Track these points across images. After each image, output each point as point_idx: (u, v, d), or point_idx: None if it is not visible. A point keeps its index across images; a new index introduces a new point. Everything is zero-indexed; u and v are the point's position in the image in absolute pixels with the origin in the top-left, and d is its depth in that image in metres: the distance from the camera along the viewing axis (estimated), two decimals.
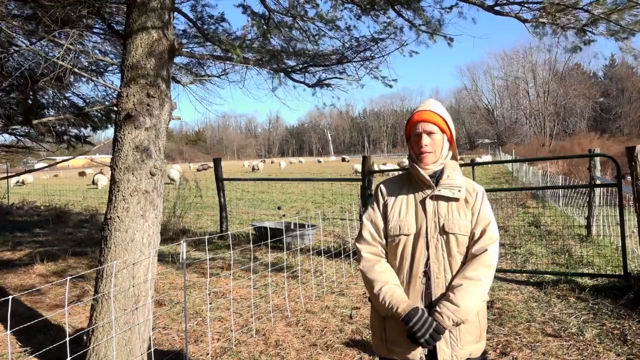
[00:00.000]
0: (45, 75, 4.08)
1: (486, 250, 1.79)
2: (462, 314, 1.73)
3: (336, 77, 5.46)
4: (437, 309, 1.75)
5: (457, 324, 1.76)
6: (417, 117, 1.87)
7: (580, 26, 3.89)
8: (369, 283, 1.87)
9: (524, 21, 4.16)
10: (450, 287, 1.78)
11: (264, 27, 4.80)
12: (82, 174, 43.75)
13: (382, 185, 1.98)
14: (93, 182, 27.40)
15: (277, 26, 4.83)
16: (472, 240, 1.82)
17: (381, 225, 1.91)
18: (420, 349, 1.78)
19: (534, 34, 4.16)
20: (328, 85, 5.43)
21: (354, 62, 5.32)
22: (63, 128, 6.36)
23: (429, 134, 1.85)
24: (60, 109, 6.23)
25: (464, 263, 1.82)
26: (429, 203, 1.84)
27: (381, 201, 1.93)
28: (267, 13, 4.95)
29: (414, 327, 1.72)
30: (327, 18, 4.87)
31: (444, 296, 1.78)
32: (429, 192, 1.85)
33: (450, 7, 4.47)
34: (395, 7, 4.40)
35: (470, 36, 4.77)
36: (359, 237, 1.95)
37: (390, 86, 5.50)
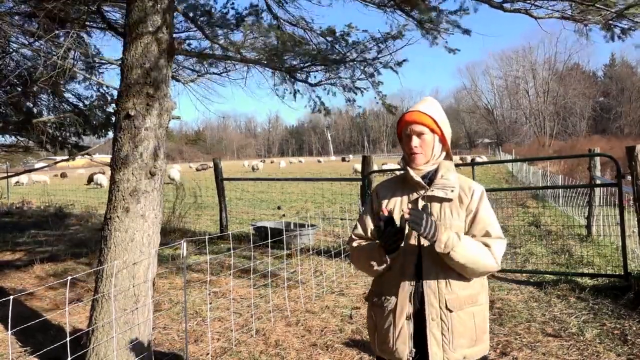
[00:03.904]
0: (44, 75, 4.07)
1: (490, 246, 1.75)
2: (456, 244, 1.66)
3: (338, 77, 5.44)
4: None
5: (446, 250, 1.67)
6: (406, 117, 1.87)
7: (605, 21, 3.86)
8: (353, 251, 1.94)
9: (536, 18, 4.14)
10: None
11: (267, 28, 4.79)
12: (63, 175, 41.45)
13: (377, 188, 2.02)
14: (89, 180, 27.30)
15: (278, 26, 4.82)
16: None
17: (370, 226, 1.93)
18: (407, 351, 1.76)
19: (577, 33, 4.15)
20: (331, 85, 5.41)
21: (357, 61, 5.29)
22: (63, 133, 6.32)
23: (419, 134, 1.84)
24: (59, 110, 6.21)
25: None
26: (421, 204, 1.83)
27: (375, 203, 1.95)
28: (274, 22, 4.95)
29: (413, 212, 1.64)
30: (337, 35, 4.87)
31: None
32: (422, 192, 1.85)
33: (456, 11, 4.45)
34: (405, 9, 4.38)
35: (478, 34, 4.76)
36: (350, 236, 2.01)
37: (393, 113, 5.48)
